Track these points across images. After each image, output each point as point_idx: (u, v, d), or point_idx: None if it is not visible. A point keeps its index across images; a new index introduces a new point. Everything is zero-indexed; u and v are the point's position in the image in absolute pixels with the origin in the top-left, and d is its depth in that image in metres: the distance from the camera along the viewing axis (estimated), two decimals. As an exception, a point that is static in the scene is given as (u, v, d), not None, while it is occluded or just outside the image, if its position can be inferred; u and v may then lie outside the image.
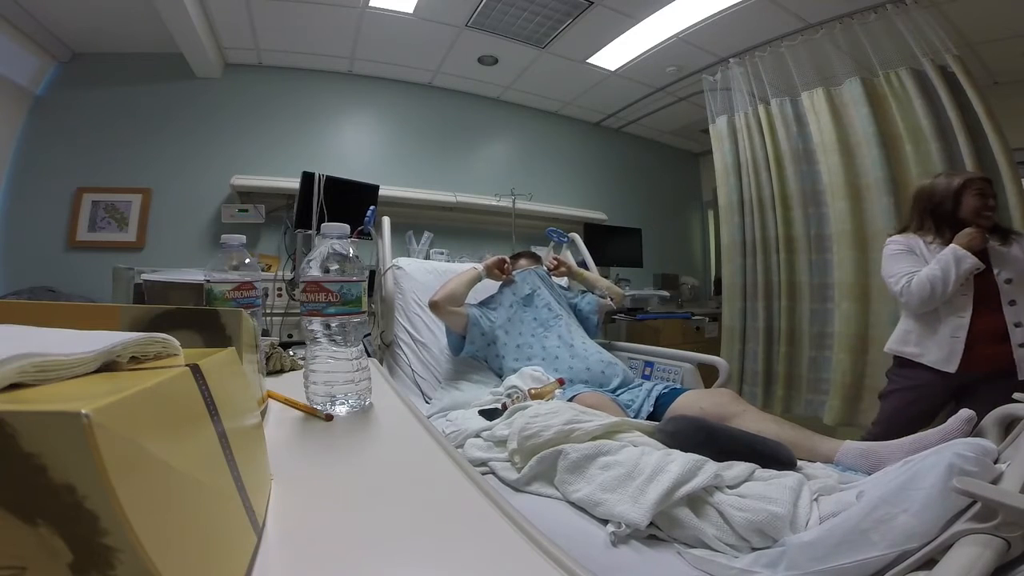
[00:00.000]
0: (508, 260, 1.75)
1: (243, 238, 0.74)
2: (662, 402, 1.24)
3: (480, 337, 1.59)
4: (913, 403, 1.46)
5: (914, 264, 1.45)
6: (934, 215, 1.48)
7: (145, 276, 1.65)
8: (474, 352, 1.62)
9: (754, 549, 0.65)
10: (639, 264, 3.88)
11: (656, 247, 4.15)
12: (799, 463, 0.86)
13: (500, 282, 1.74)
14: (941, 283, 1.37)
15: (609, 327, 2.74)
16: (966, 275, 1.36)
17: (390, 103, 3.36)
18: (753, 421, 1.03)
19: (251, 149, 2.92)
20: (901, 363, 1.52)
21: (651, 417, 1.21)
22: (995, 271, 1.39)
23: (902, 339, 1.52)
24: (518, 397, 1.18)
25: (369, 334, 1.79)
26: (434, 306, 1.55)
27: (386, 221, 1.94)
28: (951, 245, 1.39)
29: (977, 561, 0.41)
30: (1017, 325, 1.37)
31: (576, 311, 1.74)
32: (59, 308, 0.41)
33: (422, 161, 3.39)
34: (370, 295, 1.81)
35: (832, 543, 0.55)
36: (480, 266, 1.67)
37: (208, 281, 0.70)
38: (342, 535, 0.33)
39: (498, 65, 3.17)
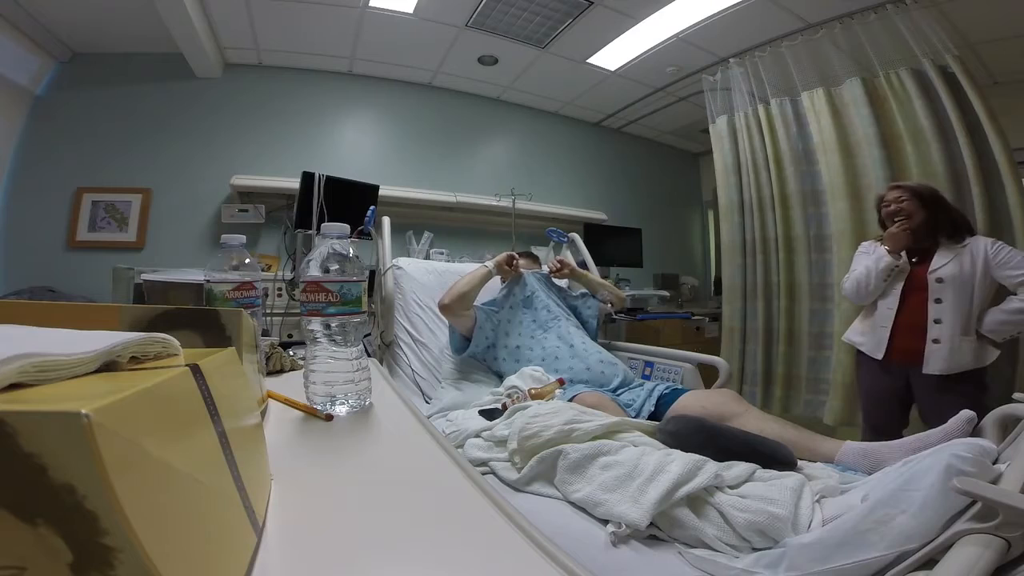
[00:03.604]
0: (517, 256, 1.74)
1: (243, 238, 0.74)
2: (664, 402, 1.24)
3: (484, 340, 1.59)
4: (871, 390, 1.62)
5: (865, 264, 1.61)
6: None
7: (145, 276, 1.64)
8: (475, 353, 1.62)
9: (755, 549, 0.64)
10: (639, 264, 3.88)
11: (656, 247, 4.14)
12: (799, 463, 0.86)
13: (508, 279, 1.73)
14: (864, 280, 1.56)
15: (609, 327, 2.72)
16: (884, 273, 1.52)
17: (390, 103, 3.36)
18: (755, 421, 1.03)
19: (251, 149, 2.92)
20: (856, 353, 1.69)
21: (652, 417, 1.21)
22: (931, 269, 1.47)
23: (853, 329, 1.69)
24: (518, 397, 1.18)
25: (369, 334, 1.79)
26: (445, 308, 1.53)
27: (386, 221, 1.94)
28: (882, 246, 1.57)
29: (977, 561, 0.41)
30: (936, 321, 1.46)
31: (576, 313, 1.74)
32: (59, 308, 0.41)
33: (422, 161, 3.39)
34: (370, 295, 1.81)
35: (832, 544, 0.55)
36: (490, 263, 1.66)
37: (208, 281, 0.70)
38: (342, 535, 0.33)
39: (498, 65, 3.17)
